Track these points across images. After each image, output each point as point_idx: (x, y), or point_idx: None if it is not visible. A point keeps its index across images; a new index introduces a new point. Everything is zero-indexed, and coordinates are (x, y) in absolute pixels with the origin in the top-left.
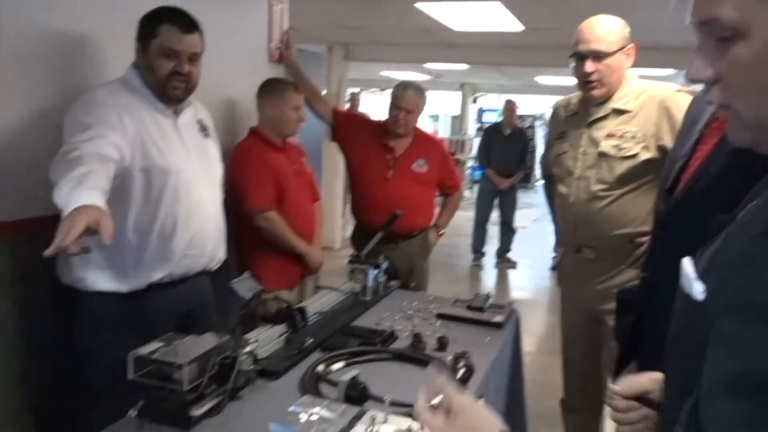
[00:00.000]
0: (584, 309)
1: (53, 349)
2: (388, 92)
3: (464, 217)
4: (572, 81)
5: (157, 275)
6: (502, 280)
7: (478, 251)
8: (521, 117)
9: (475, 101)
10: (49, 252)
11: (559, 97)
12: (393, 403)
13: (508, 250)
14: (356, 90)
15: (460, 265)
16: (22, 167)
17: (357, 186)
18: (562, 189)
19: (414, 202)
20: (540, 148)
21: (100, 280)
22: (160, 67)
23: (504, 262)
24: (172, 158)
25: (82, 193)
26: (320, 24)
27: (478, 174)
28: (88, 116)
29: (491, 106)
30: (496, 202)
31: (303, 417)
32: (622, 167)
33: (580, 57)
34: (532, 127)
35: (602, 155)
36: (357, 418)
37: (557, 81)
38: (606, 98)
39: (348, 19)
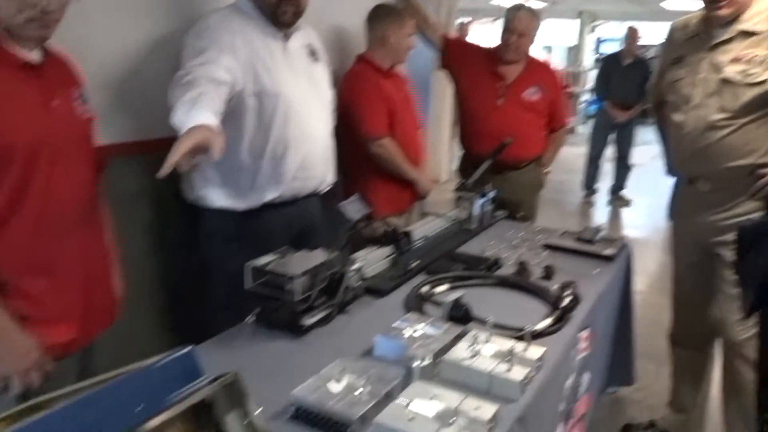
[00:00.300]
0: (697, 241)
1: (180, 261)
2: (500, 22)
3: (575, 153)
4: (701, 4)
5: (269, 195)
6: (614, 217)
7: (589, 188)
8: (643, 47)
9: (593, 30)
10: (162, 171)
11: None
12: (496, 326)
13: (622, 187)
14: (466, 20)
15: (570, 202)
16: (149, 89)
17: (466, 114)
18: (676, 117)
19: (524, 131)
20: None
21: (218, 198)
22: None
23: (617, 199)
24: (282, 82)
25: (194, 115)
26: None
27: (593, 108)
28: (201, 41)
29: (611, 35)
30: (612, 137)
31: (407, 332)
32: (748, 95)
33: None
34: (654, 57)
35: (725, 82)
36: (459, 337)
37: (686, 5)
38: (732, 19)
39: None
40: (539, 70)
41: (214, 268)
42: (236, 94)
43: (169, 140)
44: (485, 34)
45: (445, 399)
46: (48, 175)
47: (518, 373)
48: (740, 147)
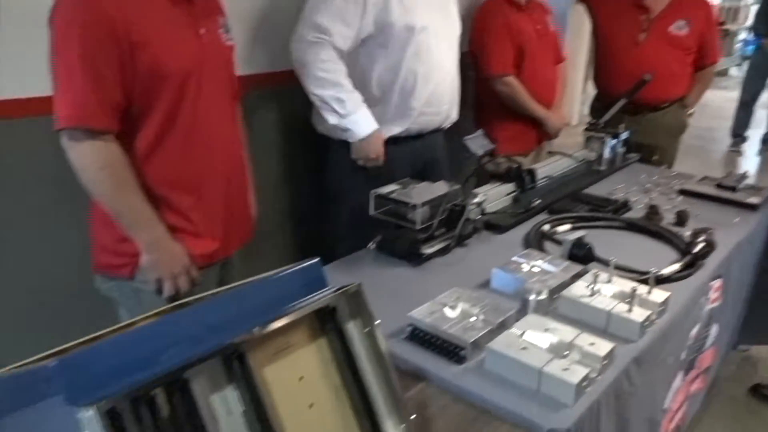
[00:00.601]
0: None
1: (308, 189)
2: None
3: (725, 97)
4: None
5: (396, 129)
6: (764, 169)
7: (738, 135)
8: None
9: None
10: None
11: None
12: (618, 267)
13: None
14: None
15: (714, 150)
16: (282, 22)
17: (603, 50)
18: None
19: (667, 69)
20: None
21: None
22: None
23: None
24: (416, 16)
25: (362, 124)
26: None
27: (750, 49)
28: (320, 15)
29: None
30: None
31: (525, 267)
32: None
33: None
34: None
35: None
36: (578, 276)
37: None
38: None
39: None
40: (689, 1)
41: (339, 197)
42: (367, 32)
43: (290, 73)
44: None
45: (560, 333)
46: (196, 98)
47: (639, 314)
48: None
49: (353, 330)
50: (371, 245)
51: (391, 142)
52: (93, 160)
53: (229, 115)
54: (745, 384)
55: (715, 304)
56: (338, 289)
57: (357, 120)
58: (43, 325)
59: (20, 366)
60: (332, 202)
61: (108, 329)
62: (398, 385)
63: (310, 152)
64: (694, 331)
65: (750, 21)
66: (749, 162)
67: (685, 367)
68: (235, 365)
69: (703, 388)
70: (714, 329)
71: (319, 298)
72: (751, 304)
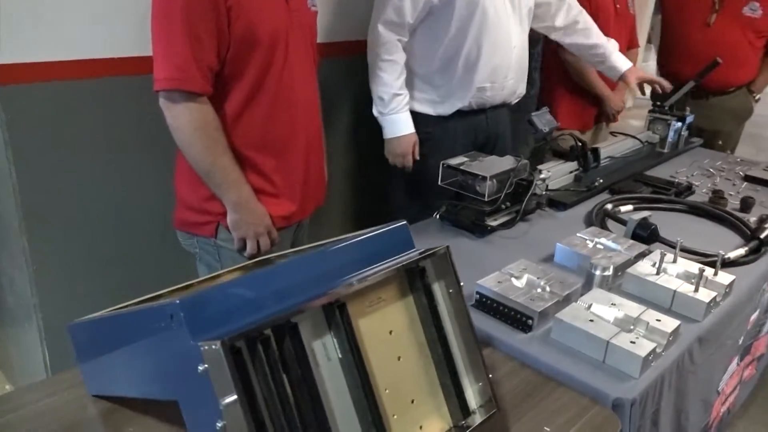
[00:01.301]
0: None
1: (372, 158)
2: None
3: None
4: None
5: (459, 104)
6: None
7: None
8: None
9: None
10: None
11: None
12: (684, 249)
13: None
14: None
15: None
16: None
17: (670, 32)
18: None
19: (738, 52)
20: None
21: (413, 102)
22: None
23: None
24: None
25: (397, 125)
26: None
27: None
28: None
29: None
30: None
31: (589, 243)
32: None
33: None
34: None
35: None
36: (642, 255)
37: None
38: None
39: None
40: None
41: (402, 169)
42: (432, 2)
43: (363, 42)
44: None
45: (626, 308)
46: (283, 62)
47: (705, 295)
48: None
49: (439, 290)
50: (436, 215)
51: (456, 115)
52: (188, 121)
53: (310, 80)
54: None
55: None
56: (428, 251)
57: (393, 121)
58: (124, 274)
59: (131, 304)
60: (394, 170)
61: (195, 280)
62: (478, 345)
63: (374, 121)
64: (754, 316)
65: None
66: None
67: (741, 353)
68: (336, 314)
69: (755, 375)
70: None
71: (411, 258)
72: None
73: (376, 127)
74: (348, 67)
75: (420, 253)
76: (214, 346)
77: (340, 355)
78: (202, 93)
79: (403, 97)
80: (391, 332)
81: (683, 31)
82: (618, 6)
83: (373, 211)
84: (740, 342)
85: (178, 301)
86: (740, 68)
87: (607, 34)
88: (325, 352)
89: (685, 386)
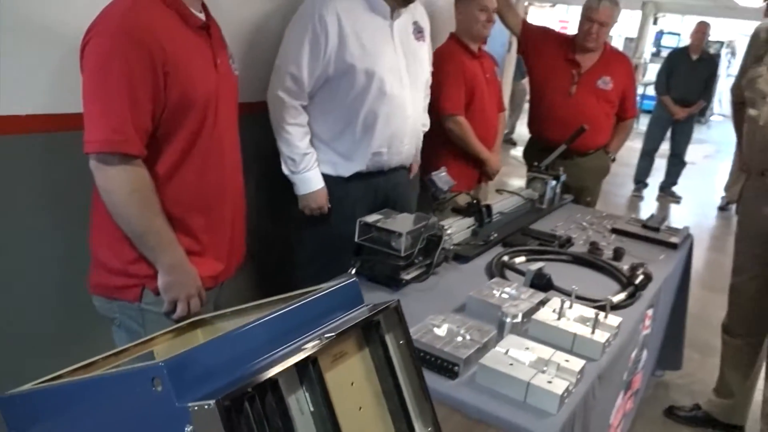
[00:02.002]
0: (764, 233)
1: (277, 215)
2: (559, 7)
3: (628, 146)
4: None
5: (356, 167)
6: (662, 213)
7: (640, 182)
8: (707, 43)
9: (655, 22)
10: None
11: (757, 22)
12: (578, 297)
13: (674, 183)
14: (525, 3)
15: (619, 195)
16: (263, 54)
17: (538, 99)
18: (752, 112)
19: (594, 119)
20: (722, 81)
21: None
22: None
23: (667, 195)
24: (380, 60)
25: (308, 182)
26: None
27: (647, 105)
28: (289, 66)
29: (672, 28)
30: (668, 133)
31: (496, 293)
32: None
33: None
34: (718, 55)
35: None
36: (543, 303)
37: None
38: None
39: None
40: (614, 59)
41: (303, 226)
42: (328, 73)
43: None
44: (543, 18)
45: (538, 351)
46: (213, 123)
47: (600, 336)
48: None
49: (391, 341)
50: (351, 270)
51: (355, 177)
52: (124, 184)
53: (235, 140)
54: (662, 406)
55: (647, 331)
56: (381, 305)
57: (304, 179)
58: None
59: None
60: (296, 231)
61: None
62: (427, 393)
63: (278, 183)
64: (634, 353)
65: (648, 77)
66: (649, 206)
67: (624, 387)
68: (310, 369)
69: (633, 408)
70: (644, 354)
71: (368, 313)
72: (667, 332)
73: (279, 186)
74: (252, 127)
75: (373, 308)
76: (207, 406)
77: (312, 409)
78: (139, 155)
79: (312, 155)
80: (352, 383)
81: (549, 100)
82: (487, 75)
83: (276, 271)
84: (624, 377)
85: (162, 363)
86: (598, 133)
87: (482, 102)
88: (298, 407)
89: (589, 421)
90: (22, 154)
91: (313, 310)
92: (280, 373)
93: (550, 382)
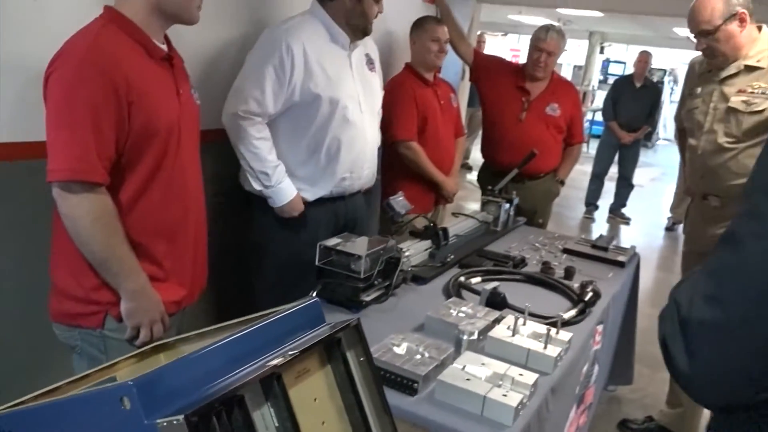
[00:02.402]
0: (707, 252)
1: (236, 241)
2: (510, 37)
3: (578, 170)
4: None
5: (321, 192)
6: (612, 234)
7: (591, 204)
8: (650, 71)
9: (602, 51)
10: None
11: (697, 53)
12: (531, 314)
13: (623, 205)
14: (477, 32)
15: (571, 217)
16: (220, 83)
17: (490, 126)
18: (691, 141)
19: (544, 144)
20: (666, 107)
21: None
22: (372, 11)
23: (617, 217)
24: (342, 88)
25: (284, 192)
26: None
27: (595, 130)
28: (252, 90)
29: (618, 57)
30: (616, 157)
31: (453, 312)
32: (750, 122)
33: (693, 34)
34: (661, 82)
35: (731, 110)
36: (498, 320)
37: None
38: (735, 58)
39: None
40: (562, 87)
41: (263, 251)
42: (291, 105)
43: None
44: (497, 48)
45: (493, 366)
46: (176, 151)
47: (552, 350)
48: (744, 167)
49: (352, 358)
50: (313, 293)
51: (317, 202)
52: (88, 211)
53: (197, 167)
54: (615, 419)
55: (598, 347)
56: (342, 323)
57: (278, 191)
58: None
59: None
60: (256, 256)
61: (91, 371)
62: (388, 408)
63: (238, 207)
64: (585, 368)
65: (596, 104)
66: (600, 228)
67: (577, 401)
68: (275, 385)
69: (586, 423)
70: (596, 368)
71: (329, 331)
72: (618, 347)
73: (236, 212)
74: (207, 155)
75: (334, 326)
76: (175, 422)
77: (277, 424)
78: (102, 183)
79: (281, 166)
80: (315, 399)
81: (501, 126)
82: (442, 102)
83: (236, 298)
84: (577, 391)
85: (131, 382)
86: (548, 157)
87: (436, 127)
88: (263, 423)
89: None
90: None
91: (277, 329)
92: (245, 389)
93: (505, 395)
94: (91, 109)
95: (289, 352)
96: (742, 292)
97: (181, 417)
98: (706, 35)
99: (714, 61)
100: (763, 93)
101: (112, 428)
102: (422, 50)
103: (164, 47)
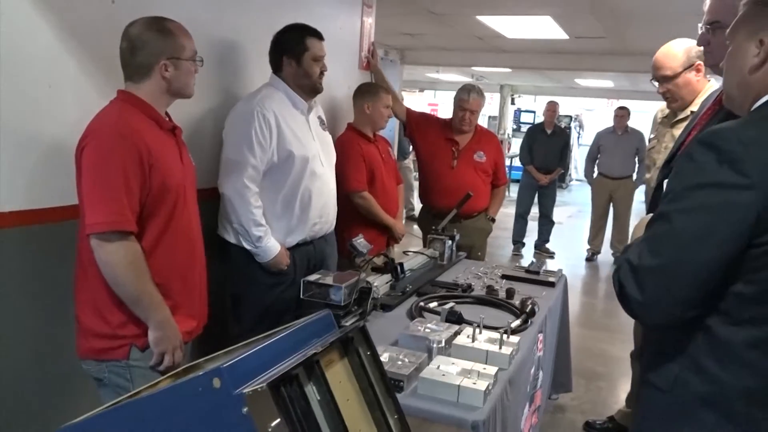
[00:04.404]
0: None
1: (214, 288)
2: (427, 93)
3: (503, 212)
4: (610, 83)
5: (297, 238)
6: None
7: (518, 242)
8: (558, 118)
9: (513, 102)
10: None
11: (599, 100)
12: (485, 326)
13: (546, 240)
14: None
15: (502, 255)
16: (203, 147)
17: (426, 173)
18: (646, 176)
19: (475, 187)
20: (575, 150)
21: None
22: (314, 70)
23: (542, 252)
24: (309, 147)
25: (271, 249)
26: (381, 30)
27: (515, 174)
28: (248, 158)
29: (528, 107)
30: (536, 197)
31: (421, 329)
32: None
33: (655, 79)
34: (568, 127)
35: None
36: (458, 333)
37: (597, 83)
38: (685, 106)
39: (410, 28)
40: (485, 137)
41: (243, 299)
42: (270, 163)
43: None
44: (415, 103)
45: (461, 364)
46: (183, 206)
47: (506, 350)
48: None
49: (362, 352)
50: None
51: (294, 246)
52: (123, 256)
53: (197, 218)
54: (561, 424)
55: (540, 353)
56: (352, 326)
57: (266, 248)
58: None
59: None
60: (236, 305)
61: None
62: (392, 389)
63: (217, 255)
64: (532, 371)
65: (512, 150)
66: (528, 262)
67: (528, 400)
68: (315, 368)
69: (537, 423)
70: (541, 373)
71: (342, 332)
72: (557, 358)
73: (220, 260)
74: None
75: (346, 328)
76: (260, 389)
77: (318, 397)
78: (134, 232)
79: (267, 228)
80: (340, 382)
81: (436, 173)
82: (383, 156)
83: (222, 336)
84: (528, 390)
85: (221, 365)
86: (479, 199)
87: (381, 178)
88: (312, 394)
89: (506, 417)
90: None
91: (303, 333)
92: (299, 369)
93: (474, 383)
94: (122, 171)
95: (322, 344)
96: (673, 246)
97: (264, 384)
98: (668, 80)
99: (673, 105)
100: None
101: (204, 409)
102: (376, 115)
103: (168, 120)
